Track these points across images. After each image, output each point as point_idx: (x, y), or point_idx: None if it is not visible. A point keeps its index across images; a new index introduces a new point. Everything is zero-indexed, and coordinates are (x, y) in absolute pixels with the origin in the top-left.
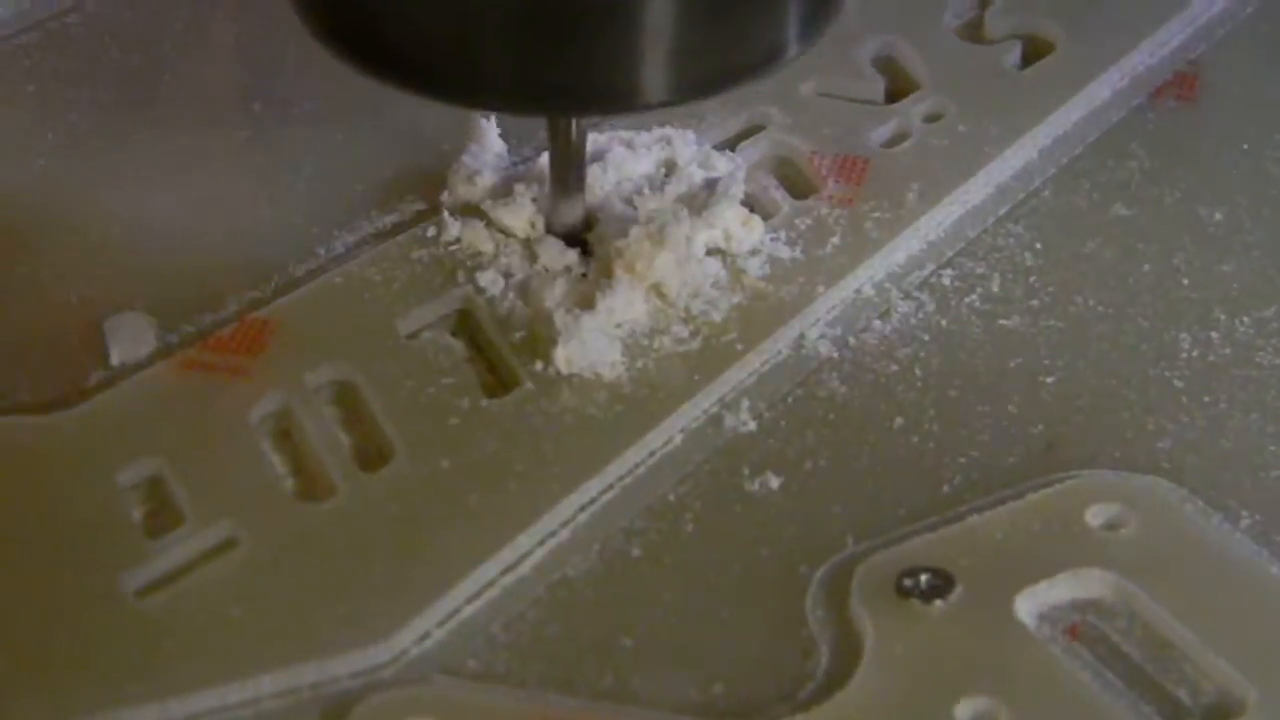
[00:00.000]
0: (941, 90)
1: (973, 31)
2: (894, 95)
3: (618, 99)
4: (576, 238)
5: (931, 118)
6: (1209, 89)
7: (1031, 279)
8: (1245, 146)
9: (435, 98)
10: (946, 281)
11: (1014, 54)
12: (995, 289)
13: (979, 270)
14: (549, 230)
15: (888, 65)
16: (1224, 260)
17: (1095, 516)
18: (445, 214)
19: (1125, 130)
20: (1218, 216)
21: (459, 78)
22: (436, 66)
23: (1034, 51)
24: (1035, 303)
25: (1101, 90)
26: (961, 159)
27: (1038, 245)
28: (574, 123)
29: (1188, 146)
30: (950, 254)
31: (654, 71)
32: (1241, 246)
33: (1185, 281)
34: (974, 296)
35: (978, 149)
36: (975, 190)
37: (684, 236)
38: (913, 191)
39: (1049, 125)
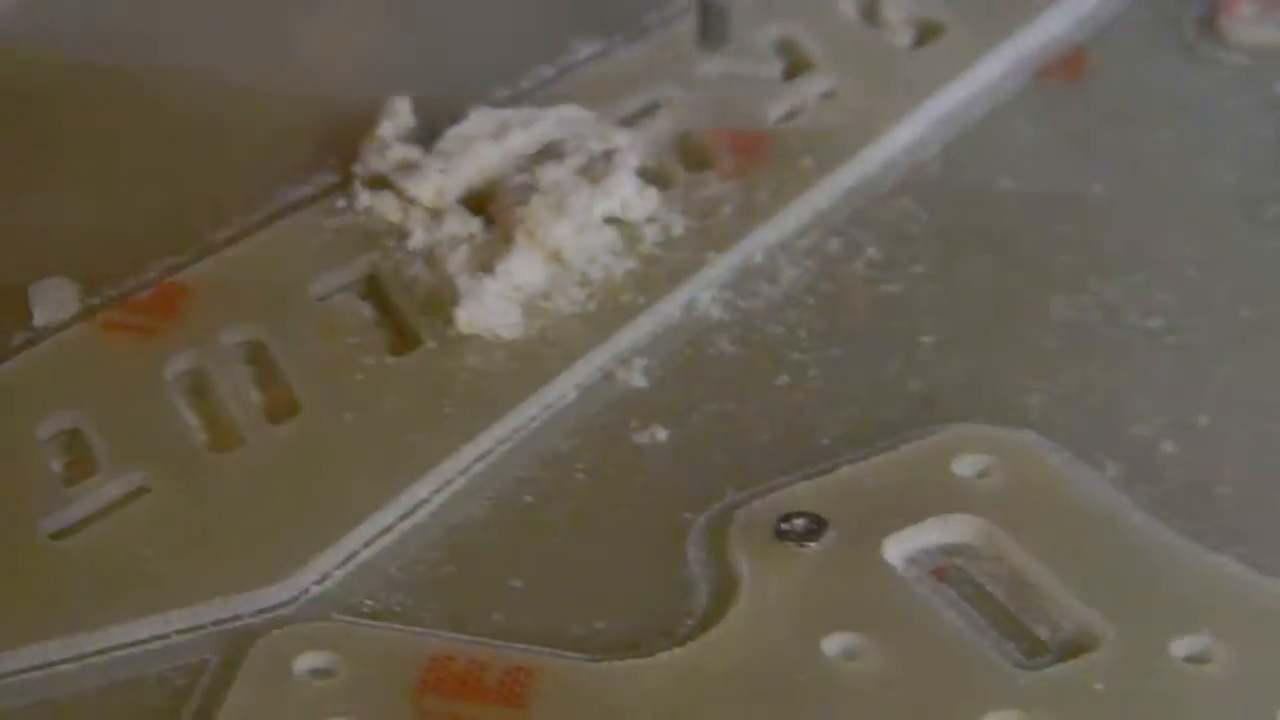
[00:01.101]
0: (836, 70)
1: (869, 15)
2: (791, 74)
3: None
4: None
5: (826, 95)
6: (1095, 68)
7: (915, 247)
8: (1126, 124)
9: None
10: (834, 249)
11: (907, 35)
12: (880, 256)
13: (865, 239)
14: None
15: (786, 47)
16: (1101, 230)
17: (964, 466)
18: (357, 185)
19: (1012, 108)
20: (1097, 189)
21: None
22: None
23: (927, 33)
24: (917, 269)
25: (989, 69)
26: (853, 134)
27: (923, 216)
28: None
29: (1072, 123)
30: (838, 223)
31: None
32: (1118, 217)
33: (1062, 250)
34: (859, 263)
35: (869, 124)
36: (865, 163)
37: (582, 205)
38: (804, 164)
39: (937, 102)
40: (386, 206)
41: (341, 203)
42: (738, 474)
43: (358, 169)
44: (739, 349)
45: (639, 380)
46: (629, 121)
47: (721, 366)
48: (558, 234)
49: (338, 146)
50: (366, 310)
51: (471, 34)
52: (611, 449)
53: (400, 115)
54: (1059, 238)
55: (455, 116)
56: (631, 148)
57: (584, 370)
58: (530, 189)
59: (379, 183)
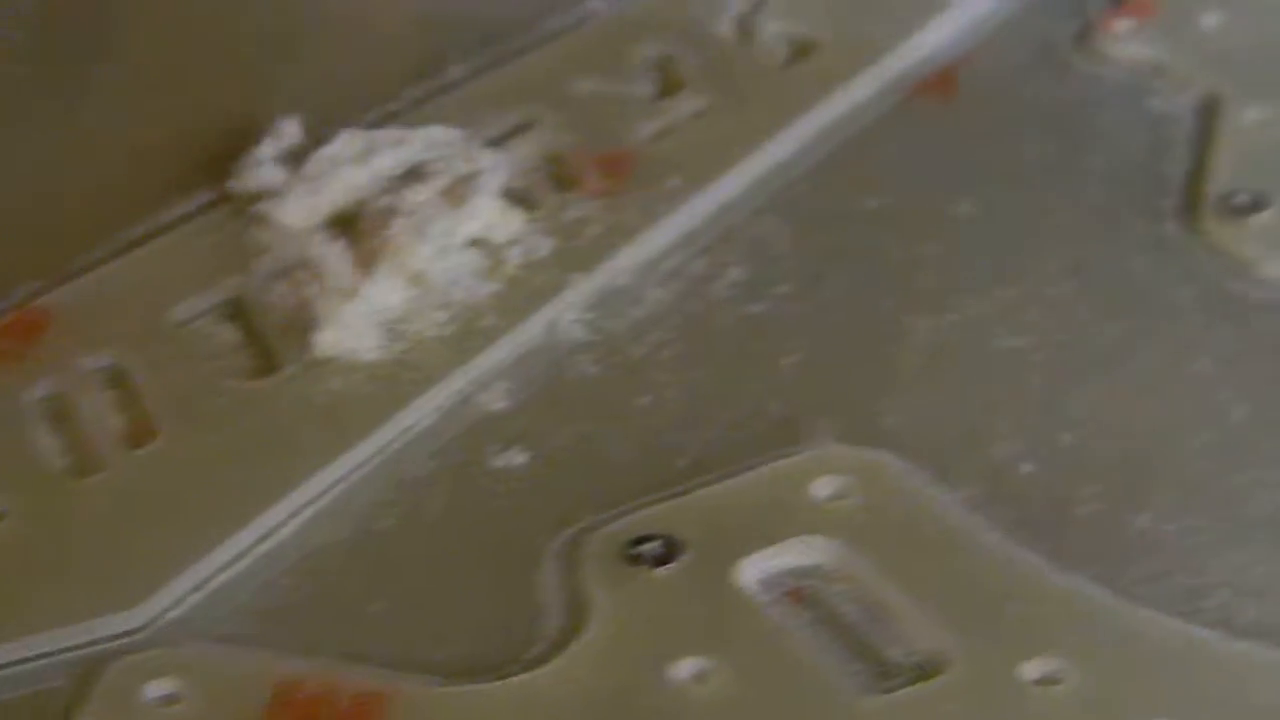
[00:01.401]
0: (708, 89)
1: (743, 32)
2: (664, 94)
3: None
4: None
5: (697, 115)
6: (968, 87)
7: (780, 267)
8: (998, 142)
9: None
10: (699, 269)
11: (781, 53)
12: (745, 276)
13: (731, 259)
14: None
15: (659, 65)
16: (968, 248)
17: (821, 488)
18: (229, 206)
19: (884, 126)
20: (966, 208)
21: None
22: None
23: (800, 51)
24: (781, 290)
25: (862, 88)
26: (722, 153)
27: (789, 235)
28: None
29: (943, 142)
30: (705, 243)
31: None
32: (986, 236)
33: (928, 269)
34: (724, 283)
35: (738, 144)
36: (733, 183)
37: (444, 228)
38: (672, 184)
39: (808, 121)
40: (255, 228)
41: (213, 223)
42: (595, 497)
43: (230, 190)
44: (600, 370)
45: (499, 403)
46: (499, 142)
47: (582, 388)
48: (419, 257)
49: (215, 166)
50: (230, 333)
51: (345, 54)
52: (470, 472)
53: (285, 135)
54: (925, 257)
55: (326, 137)
56: (497, 169)
57: (444, 393)
58: (393, 212)
59: (250, 203)
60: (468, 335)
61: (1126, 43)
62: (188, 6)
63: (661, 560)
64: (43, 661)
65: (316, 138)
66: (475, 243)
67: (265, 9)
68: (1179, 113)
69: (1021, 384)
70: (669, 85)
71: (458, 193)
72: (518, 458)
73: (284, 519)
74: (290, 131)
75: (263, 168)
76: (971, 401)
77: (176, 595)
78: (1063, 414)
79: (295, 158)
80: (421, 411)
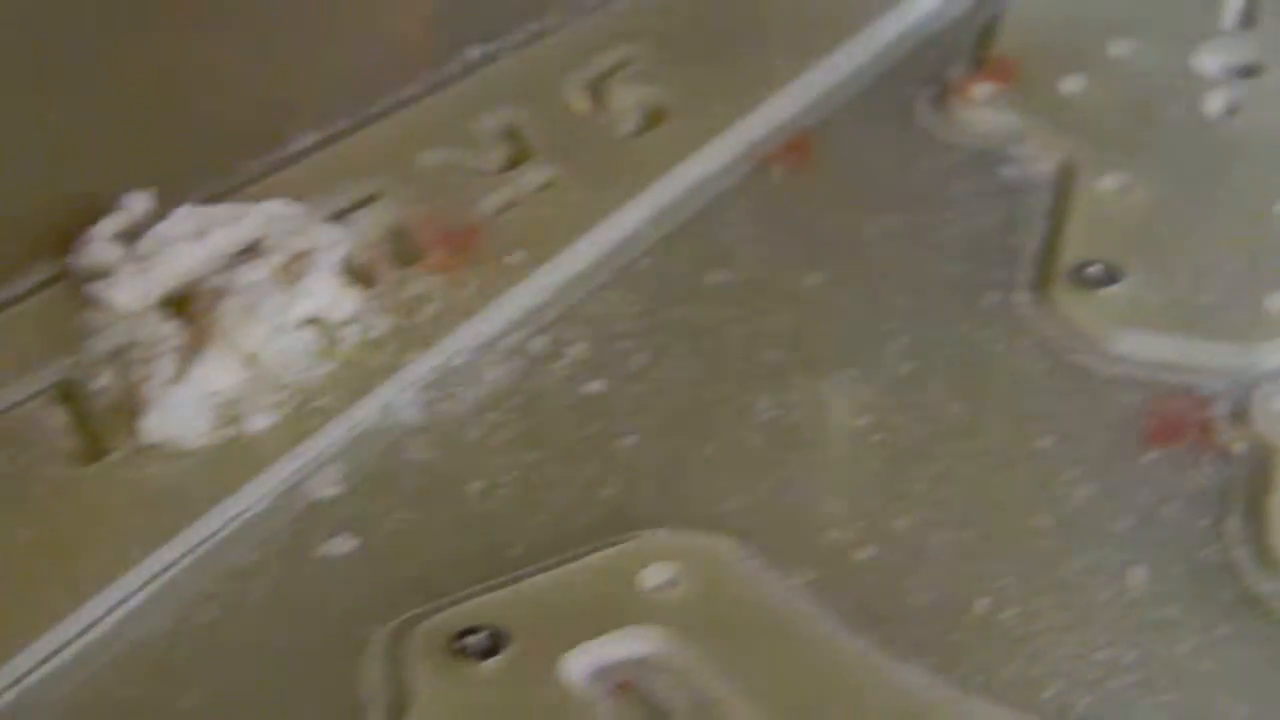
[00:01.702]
0: (556, 159)
1: (595, 100)
2: (511, 164)
3: None
4: None
5: (543, 186)
6: (820, 156)
7: (622, 344)
8: (850, 212)
9: None
10: (539, 347)
11: (632, 122)
12: (586, 354)
13: (572, 336)
14: None
15: (509, 135)
16: (813, 324)
17: (652, 576)
18: (67, 283)
19: (734, 196)
20: (813, 281)
21: None
22: None
23: (652, 119)
24: (623, 368)
25: (713, 157)
26: (567, 226)
27: (633, 311)
28: None
29: (794, 213)
30: (546, 320)
31: None
32: (833, 310)
33: (773, 345)
34: (564, 362)
35: (584, 216)
36: (577, 257)
37: (277, 308)
38: (514, 259)
39: (657, 192)
40: (88, 308)
41: (49, 302)
42: (424, 586)
43: (69, 266)
44: (434, 454)
45: (330, 488)
46: (342, 215)
47: (415, 473)
48: (252, 338)
49: (58, 241)
50: (58, 417)
51: (186, 127)
52: (298, 561)
53: (132, 209)
54: (770, 332)
55: (166, 213)
56: (335, 245)
57: (273, 480)
58: (225, 291)
59: (86, 281)
60: (300, 419)
61: (985, 108)
62: (33, 79)
63: (487, 652)
64: None
65: (163, 212)
66: (311, 322)
67: (110, 80)
68: (1035, 181)
69: (861, 465)
70: (518, 155)
71: (293, 270)
72: (346, 545)
73: (104, 612)
74: (138, 206)
75: (100, 245)
76: (810, 484)
77: None
78: (902, 496)
79: (137, 234)
80: (249, 498)
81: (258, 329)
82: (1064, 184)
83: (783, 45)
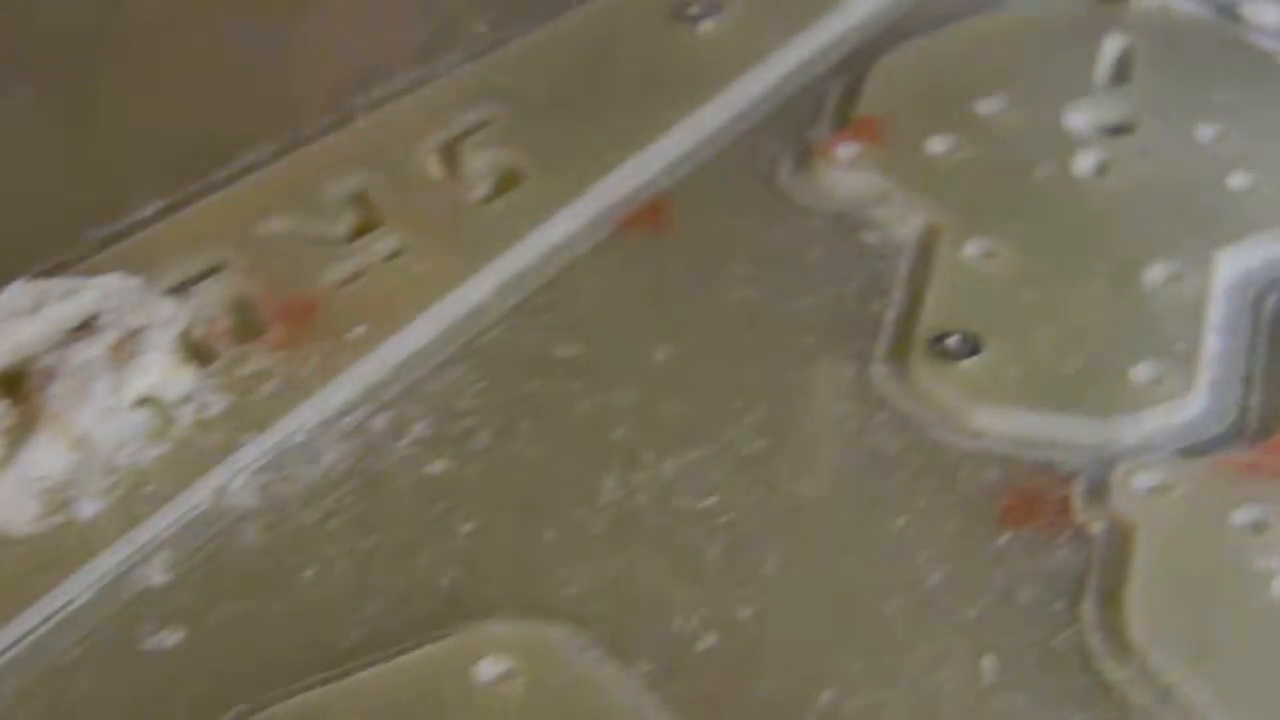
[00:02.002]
0: (405, 226)
1: (446, 165)
2: (359, 232)
3: None
4: None
5: (390, 255)
6: (678, 221)
7: (465, 422)
8: (706, 280)
9: None
10: (381, 425)
11: (485, 186)
12: (428, 433)
13: (415, 413)
14: None
15: (355, 201)
16: (663, 400)
17: (488, 669)
18: None
19: (587, 264)
20: (665, 354)
21: None
22: None
23: (506, 183)
24: (465, 447)
25: (567, 223)
26: (412, 298)
27: (479, 387)
28: None
29: (648, 281)
30: (389, 397)
31: None
32: (684, 385)
33: (620, 422)
34: (406, 441)
35: (430, 287)
36: (421, 331)
37: (109, 387)
38: (357, 333)
39: (507, 261)
40: None
41: None
42: (253, 681)
43: None
44: (268, 539)
45: (159, 576)
46: (184, 287)
47: (248, 559)
48: (83, 419)
49: None
50: None
51: (22, 197)
52: (123, 655)
53: None
54: (618, 409)
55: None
56: (172, 321)
57: (101, 568)
58: (56, 370)
59: None
60: (131, 504)
61: (848, 170)
62: None
63: None
64: None
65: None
66: (145, 402)
67: None
68: (898, 245)
69: (707, 549)
70: (366, 223)
71: (127, 348)
72: (173, 637)
73: None
74: None
75: None
76: (654, 570)
77: None
78: (748, 581)
79: None
80: (75, 589)
81: (89, 410)
82: (926, 249)
83: (642, 105)
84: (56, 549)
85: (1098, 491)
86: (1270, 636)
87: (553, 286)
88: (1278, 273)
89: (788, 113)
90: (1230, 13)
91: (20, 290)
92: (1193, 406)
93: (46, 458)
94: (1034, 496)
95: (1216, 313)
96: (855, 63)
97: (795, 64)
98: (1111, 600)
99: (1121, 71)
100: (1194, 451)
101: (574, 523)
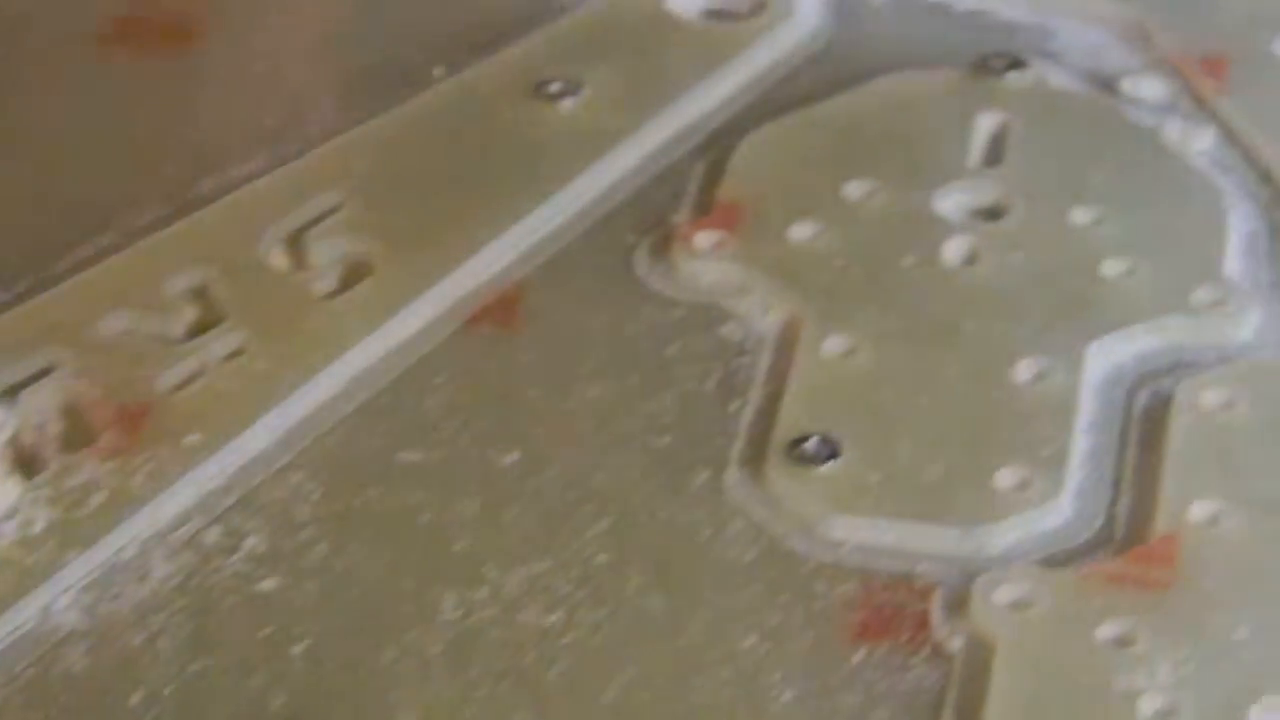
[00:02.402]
0: (247, 323)
1: (292, 255)
2: (199, 330)
3: None
4: None
5: (230, 355)
6: (530, 314)
7: (302, 534)
8: (556, 379)
9: None
10: (213, 539)
11: (331, 279)
12: (262, 547)
13: (249, 525)
14: None
15: (197, 297)
16: (508, 508)
17: None
18: None
19: (435, 362)
20: (512, 460)
21: None
22: None
23: (354, 275)
24: (301, 562)
25: (415, 317)
26: (251, 401)
27: (316, 496)
28: None
29: (497, 380)
30: (223, 508)
31: None
32: (530, 492)
33: (463, 534)
34: (239, 556)
35: (270, 389)
36: (260, 436)
37: None
38: (191, 440)
39: (351, 360)
40: None
41: None
42: None
43: None
44: (92, 663)
45: None
46: (12, 391)
47: (70, 686)
48: None
49: None
50: None
51: None
52: None
53: None
54: (462, 519)
55: None
56: None
57: None
58: None
59: None
60: None
61: (708, 259)
62: None
63: None
64: None
65: None
66: None
67: None
68: (758, 340)
69: (549, 671)
70: (207, 320)
71: None
72: None
73: None
74: None
75: None
76: (491, 693)
77: None
78: (588, 707)
79: None
80: None
81: None
82: (786, 345)
83: (498, 189)
84: None
85: (957, 605)
86: None
87: (397, 387)
88: (1150, 367)
89: (648, 196)
90: (1110, 86)
91: None
92: (1059, 513)
93: None
94: (891, 611)
95: (1086, 411)
96: (720, 142)
97: (657, 144)
98: None
99: (995, 151)
100: (1059, 561)
101: (411, 643)
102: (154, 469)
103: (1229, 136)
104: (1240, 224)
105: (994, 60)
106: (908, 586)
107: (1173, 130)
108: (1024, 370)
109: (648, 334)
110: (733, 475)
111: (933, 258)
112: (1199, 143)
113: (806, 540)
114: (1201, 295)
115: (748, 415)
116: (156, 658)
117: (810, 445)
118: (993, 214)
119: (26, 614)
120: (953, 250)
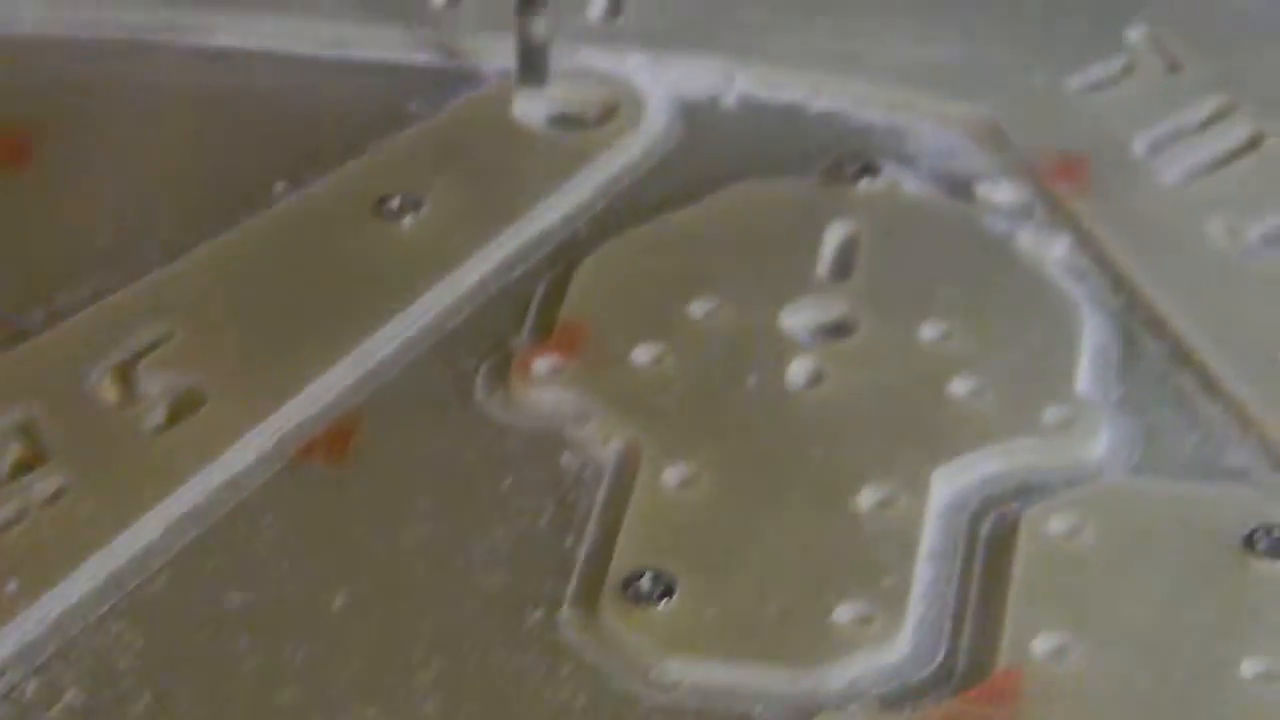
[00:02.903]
0: (72, 461)
1: (120, 388)
2: (23, 468)
3: None
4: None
5: (53, 496)
6: (363, 447)
7: (123, 685)
8: (389, 516)
9: None
10: (32, 693)
11: (160, 413)
12: (81, 700)
13: (68, 678)
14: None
15: (21, 434)
16: (337, 654)
17: None
18: None
19: (265, 498)
20: (340, 602)
21: None
22: None
23: (185, 407)
24: (121, 715)
25: (245, 452)
26: (73, 545)
27: (139, 644)
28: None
29: (328, 517)
30: (41, 659)
31: None
32: (360, 636)
33: (289, 681)
34: (58, 709)
35: (93, 532)
36: (82, 581)
37: None
38: (10, 589)
39: (179, 499)
40: None
41: None
42: None
43: None
44: None
45: None
46: None
47: None
48: None
49: None
50: None
51: None
52: None
53: None
54: (288, 666)
55: None
56: None
57: None
58: None
59: None
60: None
61: (547, 385)
62: None
63: None
64: None
65: None
66: None
67: None
68: (596, 471)
69: None
70: (30, 458)
71: None
72: None
73: None
74: None
75: None
76: None
77: None
78: None
79: None
80: None
81: None
82: (624, 475)
83: (334, 314)
84: None
85: None
86: None
87: (226, 526)
88: (996, 491)
89: (489, 318)
90: (965, 190)
91: None
92: (899, 649)
93: None
94: None
95: (929, 539)
96: (566, 257)
97: (500, 261)
98: None
99: (844, 263)
100: (899, 698)
101: None
102: None
103: (1084, 241)
104: (1092, 335)
105: (846, 165)
106: None
107: (1025, 238)
108: (867, 497)
109: (484, 465)
110: (566, 615)
111: (778, 379)
112: (1053, 250)
113: (641, 682)
114: (1050, 415)
115: (583, 551)
116: None
117: (644, 583)
118: (841, 330)
119: None
120: (798, 370)
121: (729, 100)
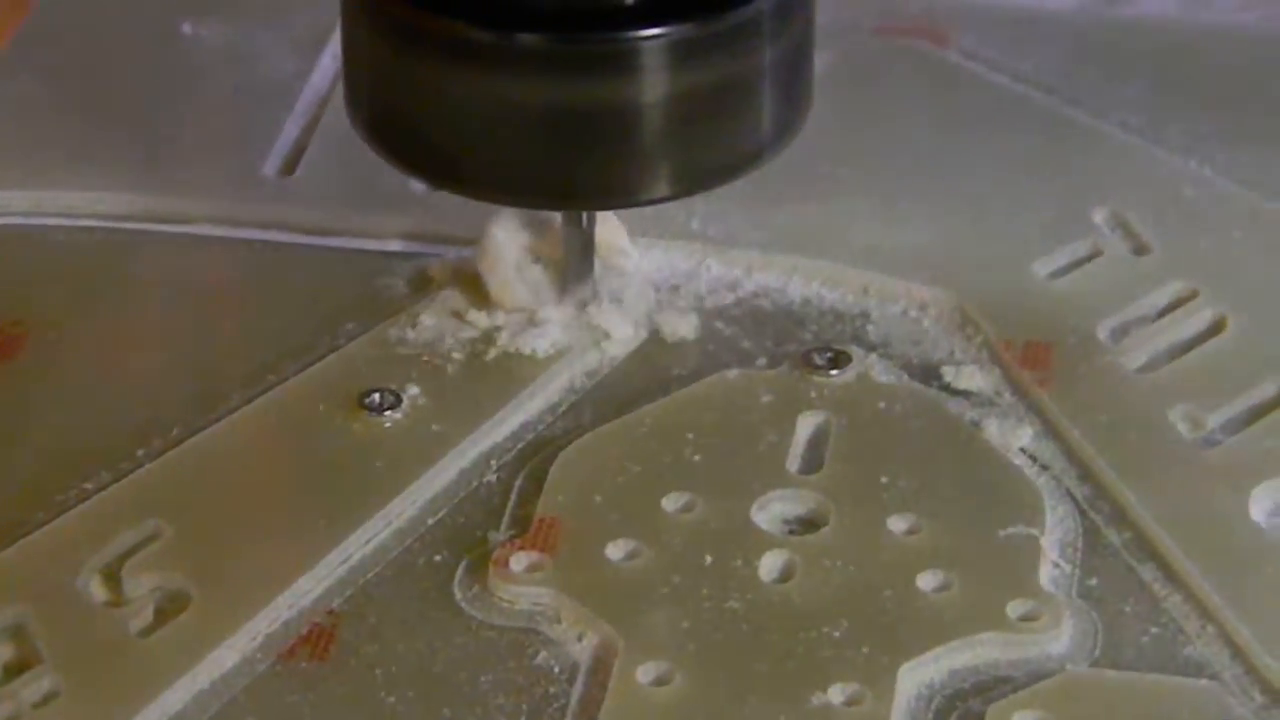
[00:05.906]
0: (62, 664)
1: (109, 590)
2: (15, 671)
3: (626, 194)
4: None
5: (44, 699)
6: (344, 646)
7: None
8: (369, 713)
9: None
10: None
11: (147, 614)
12: None
13: None
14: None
15: (11, 636)
16: None
17: None
18: None
19: (249, 699)
20: None
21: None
22: (468, 167)
23: (172, 608)
24: None
25: (229, 654)
26: None
27: None
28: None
29: (311, 714)
30: None
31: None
32: None
33: None
34: None
35: None
36: None
37: None
38: None
39: (164, 703)
40: None
41: None
42: None
43: None
44: None
45: None
46: None
47: None
48: None
49: None
50: None
51: None
52: None
53: None
54: None
55: None
56: None
57: None
58: None
59: None
60: None
61: (522, 583)
62: None
63: None
64: None
65: None
66: None
67: None
68: (571, 669)
69: None
70: (21, 661)
71: None
72: None
73: None
74: None
75: None
76: None
77: None
78: None
79: None
80: None
81: None
82: (598, 674)
83: (317, 511)
84: None
85: None
86: None
87: None
88: (960, 686)
89: (467, 514)
90: (932, 377)
91: None
92: None
93: None
94: None
95: None
96: (540, 455)
97: (476, 458)
98: None
99: (814, 456)
100: None
101: None
102: None
103: (1049, 429)
104: (1056, 527)
105: (816, 355)
106: None
107: (991, 428)
108: (835, 696)
109: (462, 663)
110: None
111: (750, 574)
112: (1018, 440)
113: None
114: (1015, 609)
115: None
116: None
117: None
118: (811, 524)
119: None
120: (770, 565)
121: (700, 288)
